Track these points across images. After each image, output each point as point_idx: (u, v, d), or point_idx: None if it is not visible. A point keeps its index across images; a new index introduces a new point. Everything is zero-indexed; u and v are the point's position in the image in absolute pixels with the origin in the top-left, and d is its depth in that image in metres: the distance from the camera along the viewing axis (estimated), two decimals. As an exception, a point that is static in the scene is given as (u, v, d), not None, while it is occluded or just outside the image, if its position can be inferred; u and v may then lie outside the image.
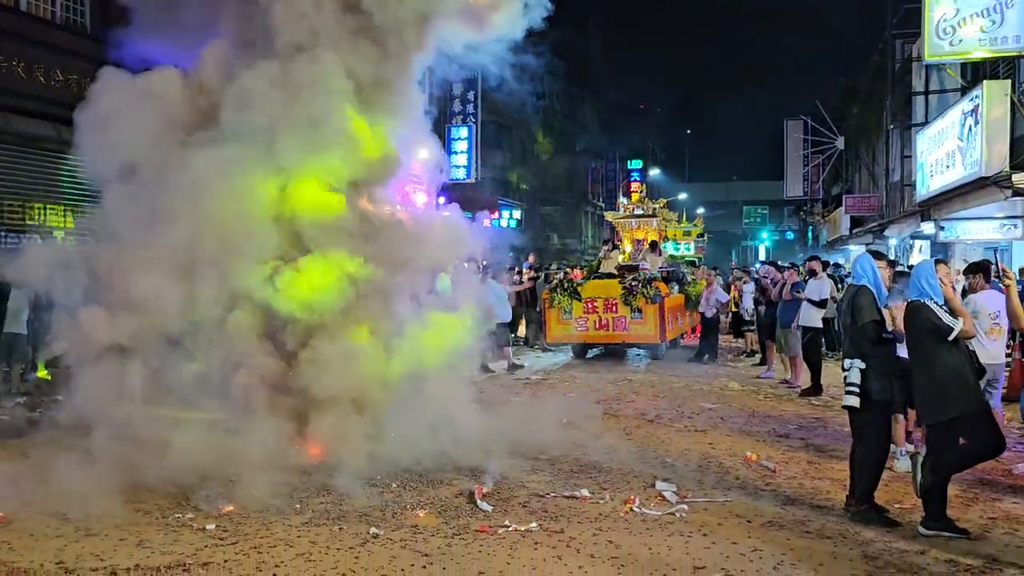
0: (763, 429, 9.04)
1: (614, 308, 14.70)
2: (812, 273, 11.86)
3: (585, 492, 6.39)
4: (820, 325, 11.58)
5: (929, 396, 5.49)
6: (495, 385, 12.30)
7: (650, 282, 14.83)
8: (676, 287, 16.45)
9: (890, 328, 6.05)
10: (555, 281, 15.88)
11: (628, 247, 19.99)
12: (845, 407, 5.99)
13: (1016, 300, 5.51)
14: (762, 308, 13.79)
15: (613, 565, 4.97)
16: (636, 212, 21.36)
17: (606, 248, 18.39)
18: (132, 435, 6.87)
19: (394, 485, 6.60)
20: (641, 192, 22.54)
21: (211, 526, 5.61)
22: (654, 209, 21.47)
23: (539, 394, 11.49)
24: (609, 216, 23.57)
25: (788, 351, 12.26)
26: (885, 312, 5.94)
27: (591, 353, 16.26)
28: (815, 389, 11.32)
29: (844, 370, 5.93)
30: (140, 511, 5.96)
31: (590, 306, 14.84)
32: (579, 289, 15.03)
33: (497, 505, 6.09)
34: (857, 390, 5.76)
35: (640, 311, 14.54)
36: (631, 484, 6.68)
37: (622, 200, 22.26)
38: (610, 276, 15.65)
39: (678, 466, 7.33)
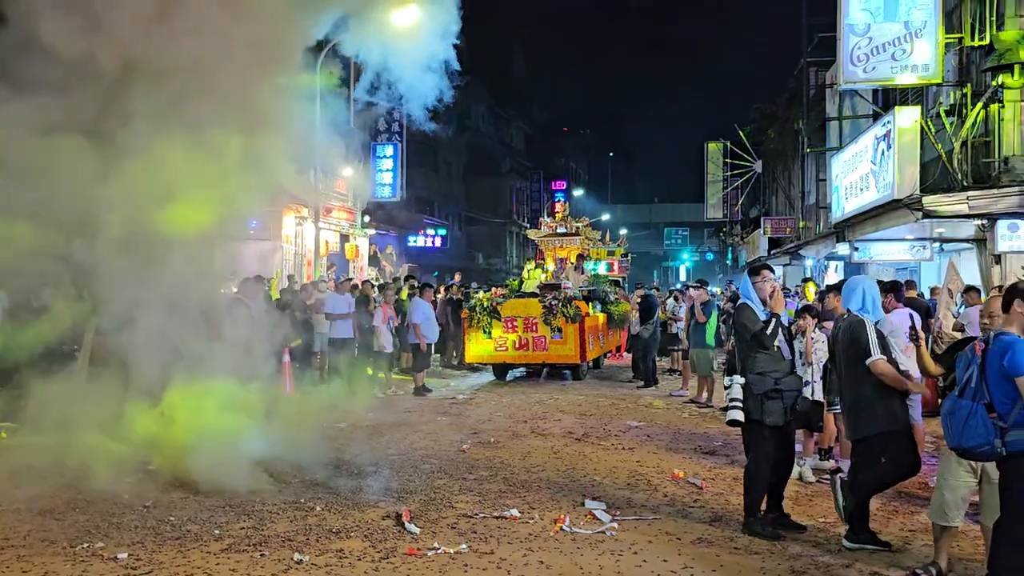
0: (689, 446, 9.10)
1: (534, 327, 14.40)
2: None
3: (514, 512, 6.29)
4: None
5: (858, 411, 5.59)
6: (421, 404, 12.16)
7: (570, 301, 14.56)
8: (598, 306, 16.29)
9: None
10: (475, 300, 15.58)
11: (551, 265, 19.90)
12: (729, 423, 6.01)
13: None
14: (647, 328, 14.42)
15: (545, 586, 4.88)
16: (559, 230, 21.21)
17: (530, 268, 18.24)
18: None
19: (318, 508, 6.38)
20: (564, 211, 22.30)
21: (123, 555, 5.31)
22: (577, 228, 21.38)
23: (465, 413, 11.36)
24: (531, 234, 23.03)
25: (700, 370, 12.44)
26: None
27: (511, 375, 15.84)
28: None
29: (725, 387, 6.03)
30: (45, 540, 5.61)
31: (510, 325, 14.50)
32: (499, 308, 14.69)
33: (425, 527, 5.94)
34: (741, 405, 5.83)
35: (560, 330, 14.27)
36: (560, 503, 6.62)
37: (546, 218, 22.12)
38: (532, 295, 15.42)
39: (607, 484, 7.30)
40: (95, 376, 9.73)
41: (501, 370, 15.49)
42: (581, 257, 18.85)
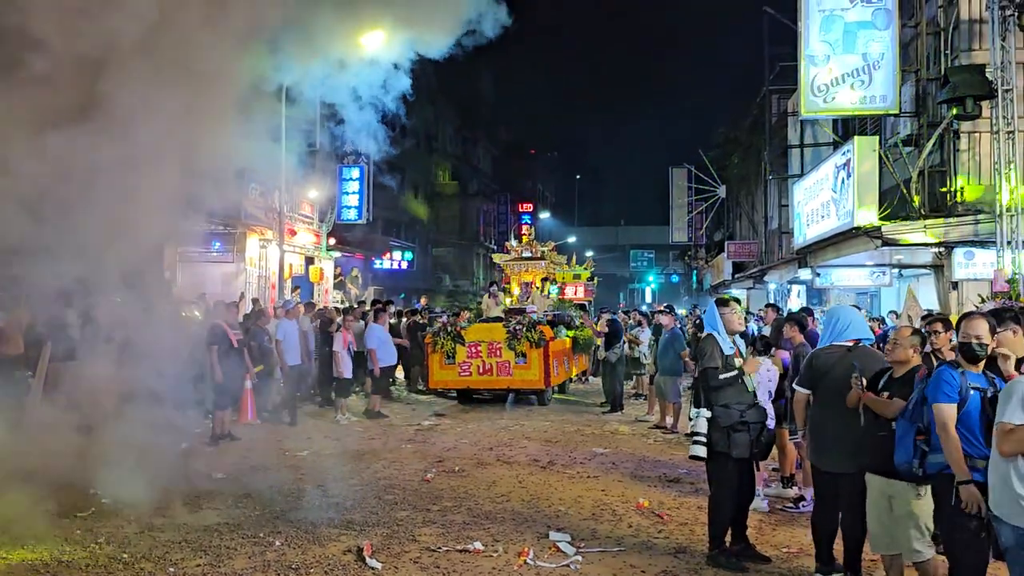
0: (654, 474, 9.09)
1: (498, 352, 14.24)
2: None
3: (478, 545, 6.22)
4: None
5: (855, 446, 5.32)
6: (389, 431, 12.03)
7: (534, 326, 14.41)
8: (563, 331, 15.98)
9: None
10: (438, 324, 15.38)
11: (516, 290, 19.72)
12: (692, 458, 6.00)
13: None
14: (614, 352, 14.40)
15: (507, 623, 4.82)
16: (524, 254, 20.84)
17: (491, 290, 17.61)
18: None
19: (277, 543, 6.26)
20: (530, 235, 22.15)
21: (73, 594, 5.16)
22: (542, 252, 21.01)
23: (429, 440, 11.26)
24: (497, 258, 22.66)
25: (667, 397, 12.49)
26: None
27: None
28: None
29: (690, 419, 6.02)
30: (-8, 580, 5.44)
31: (473, 350, 14.35)
32: (462, 333, 14.53)
33: (387, 562, 5.84)
34: (704, 440, 5.83)
35: (524, 356, 14.11)
36: (524, 535, 6.56)
37: (512, 242, 22.01)
38: (497, 320, 15.24)
39: (571, 514, 7.26)
40: (49, 403, 9.54)
41: (465, 395, 15.36)
42: (546, 281, 18.65)
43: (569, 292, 23.35)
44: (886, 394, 4.92)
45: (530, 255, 20.82)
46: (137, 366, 11.14)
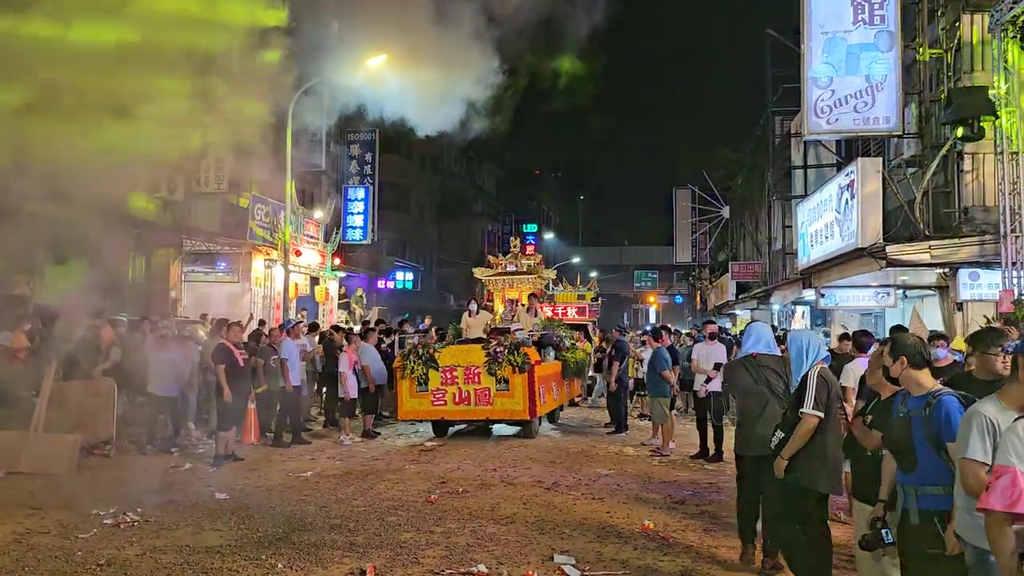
0: (659, 496, 9.03)
1: (476, 378, 12.60)
2: (712, 337, 12.27)
3: (482, 567, 6.17)
4: (720, 390, 11.42)
5: (835, 466, 5.41)
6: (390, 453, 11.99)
7: (518, 348, 12.79)
8: (552, 353, 14.61)
9: None
10: (408, 346, 13.84)
11: (500, 308, 18.35)
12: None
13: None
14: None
15: (511, 647, 4.77)
16: (509, 269, 19.44)
17: (470, 308, 15.46)
18: None
19: (280, 565, 6.21)
20: (515, 248, 20.92)
21: (74, 617, 5.13)
22: (528, 266, 19.72)
23: (434, 461, 11.21)
24: (478, 273, 20.59)
25: (656, 417, 12.44)
26: None
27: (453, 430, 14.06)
28: (704, 452, 11.49)
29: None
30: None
31: (449, 376, 12.68)
32: (436, 356, 12.86)
33: (390, 584, 5.81)
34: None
35: (506, 382, 12.52)
36: (529, 558, 6.51)
37: (501, 256, 20.55)
38: (476, 341, 13.58)
39: (576, 536, 7.21)
40: (53, 421, 9.56)
41: (441, 426, 13.59)
42: (533, 297, 17.30)
43: (572, 313, 23.07)
44: (870, 417, 4.83)
45: (515, 269, 19.58)
46: (140, 386, 11.19)
